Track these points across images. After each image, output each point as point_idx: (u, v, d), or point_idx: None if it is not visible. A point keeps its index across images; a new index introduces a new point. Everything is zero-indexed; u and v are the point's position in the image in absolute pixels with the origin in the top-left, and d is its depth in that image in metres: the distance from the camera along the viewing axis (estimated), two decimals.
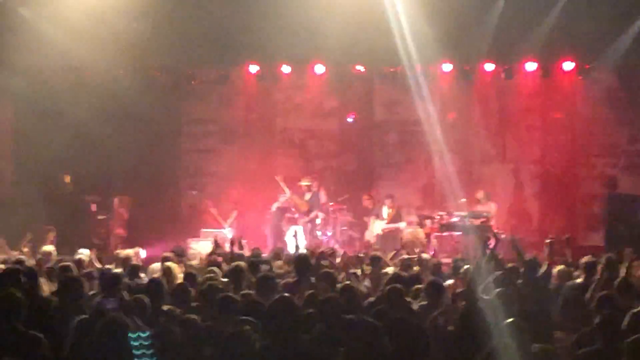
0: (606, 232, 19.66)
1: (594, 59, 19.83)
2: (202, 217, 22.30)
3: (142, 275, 12.96)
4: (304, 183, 21.67)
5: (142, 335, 7.24)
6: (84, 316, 8.51)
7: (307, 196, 21.61)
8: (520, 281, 10.93)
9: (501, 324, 7.85)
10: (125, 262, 13.93)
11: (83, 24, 19.64)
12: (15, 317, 7.63)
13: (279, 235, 21.40)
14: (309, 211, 21.36)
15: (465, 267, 12.56)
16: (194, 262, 15.37)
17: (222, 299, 9.09)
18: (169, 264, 12.70)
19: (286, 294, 8.35)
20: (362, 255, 15.14)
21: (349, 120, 23.80)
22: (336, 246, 20.48)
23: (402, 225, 20.96)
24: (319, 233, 21.62)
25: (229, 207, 22.15)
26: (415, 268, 13.24)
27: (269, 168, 23.47)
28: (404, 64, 20.38)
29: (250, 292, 9.91)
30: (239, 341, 7.28)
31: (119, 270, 12.87)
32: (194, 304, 9.91)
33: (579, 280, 11.76)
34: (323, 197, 21.83)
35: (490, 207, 20.85)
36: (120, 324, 6.27)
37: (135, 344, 6.21)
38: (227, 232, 21.09)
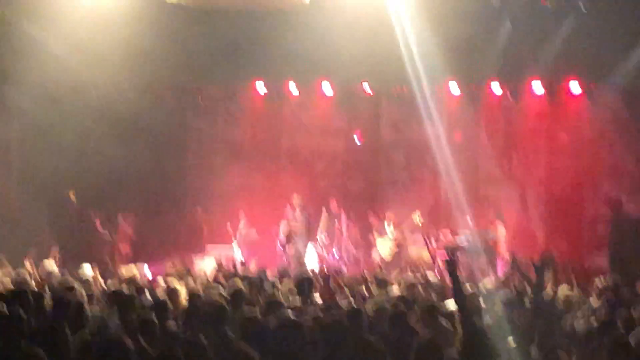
0: (610, 253, 19.62)
1: (600, 79, 19.80)
2: (207, 232, 22.32)
3: (146, 292, 12.92)
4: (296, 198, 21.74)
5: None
6: (85, 336, 8.48)
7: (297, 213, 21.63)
8: (529, 303, 10.83)
9: (506, 348, 7.81)
10: (130, 282, 13.86)
11: (89, 40, 19.68)
12: (19, 335, 7.61)
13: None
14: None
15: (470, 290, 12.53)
16: (199, 280, 15.36)
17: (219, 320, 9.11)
18: (173, 283, 12.64)
19: (291, 316, 8.30)
20: (367, 276, 15.04)
21: (356, 139, 23.78)
22: (342, 266, 20.48)
23: (410, 249, 20.98)
24: (324, 251, 21.60)
25: (236, 225, 22.09)
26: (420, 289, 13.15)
27: (275, 187, 23.49)
28: (411, 84, 20.41)
29: (254, 314, 9.83)
30: None
31: (124, 289, 12.77)
32: (198, 325, 9.85)
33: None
34: (343, 219, 21.88)
35: (499, 229, 20.76)
36: (120, 344, 6.20)
37: None
38: (235, 249, 21.09)
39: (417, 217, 21.05)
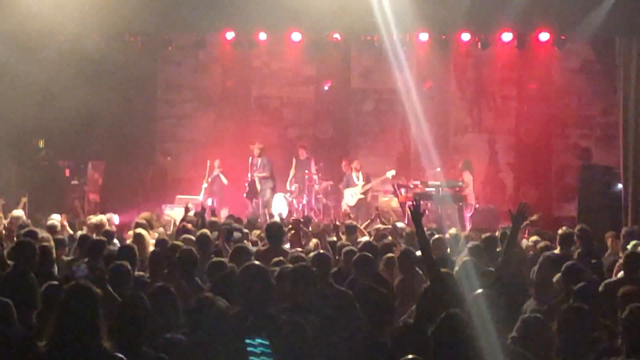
0: (579, 203, 19.76)
1: (569, 30, 19.79)
2: (176, 182, 22.31)
3: (115, 242, 12.92)
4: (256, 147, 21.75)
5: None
6: (52, 282, 8.46)
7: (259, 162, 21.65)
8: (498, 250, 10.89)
9: (471, 294, 7.86)
10: (98, 228, 13.87)
11: None
12: None
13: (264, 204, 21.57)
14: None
15: (436, 236, 12.62)
16: (168, 229, 15.38)
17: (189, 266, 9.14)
18: (140, 230, 12.63)
19: (257, 262, 8.30)
20: (338, 223, 15.10)
21: (325, 88, 23.78)
22: (312, 214, 20.55)
23: (374, 183, 21.14)
24: (294, 201, 21.67)
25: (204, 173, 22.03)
26: (390, 238, 13.23)
27: (244, 135, 23.47)
28: (381, 32, 20.34)
29: (222, 259, 9.85)
30: (207, 308, 7.24)
31: (94, 236, 12.75)
32: (165, 272, 9.88)
33: (556, 251, 11.81)
34: (313, 168, 21.93)
35: (465, 177, 20.87)
36: (86, 290, 6.18)
37: (102, 311, 6.14)
38: (203, 199, 21.08)
39: (390, 174, 21.11)
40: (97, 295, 6.24)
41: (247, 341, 7.06)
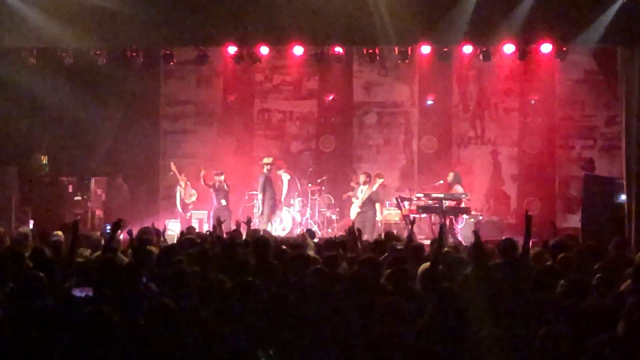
0: (583, 214, 19.69)
1: (571, 40, 19.79)
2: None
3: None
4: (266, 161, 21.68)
5: None
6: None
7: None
8: (493, 263, 10.79)
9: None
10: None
11: (58, 3, 19.46)
12: None
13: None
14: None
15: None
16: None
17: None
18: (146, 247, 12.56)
19: (250, 279, 8.31)
20: (337, 238, 14.97)
21: (328, 100, 23.80)
22: (315, 228, 20.53)
23: (377, 207, 20.91)
24: (298, 216, 21.66)
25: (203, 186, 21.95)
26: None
27: (247, 149, 23.52)
28: (382, 45, 20.34)
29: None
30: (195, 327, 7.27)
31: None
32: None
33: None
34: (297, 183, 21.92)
35: (457, 190, 20.71)
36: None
37: None
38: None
39: (378, 181, 21.02)
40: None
41: None
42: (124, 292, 8.73)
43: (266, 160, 21.73)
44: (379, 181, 20.94)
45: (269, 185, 21.51)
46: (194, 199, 21.80)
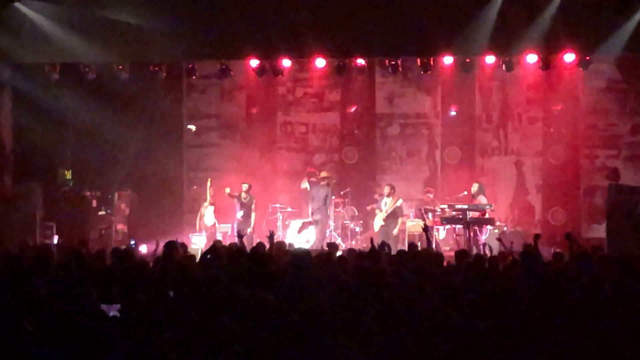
0: (608, 224, 19.56)
1: (594, 50, 19.72)
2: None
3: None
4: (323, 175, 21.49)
5: None
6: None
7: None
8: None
9: None
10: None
11: (82, 19, 19.60)
12: None
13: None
14: None
15: None
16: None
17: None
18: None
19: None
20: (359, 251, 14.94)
21: (350, 112, 23.77)
22: (338, 240, 20.48)
23: (399, 222, 20.80)
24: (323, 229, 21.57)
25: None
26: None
27: (270, 162, 23.55)
28: (405, 57, 20.32)
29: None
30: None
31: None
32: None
33: None
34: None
35: (481, 200, 20.61)
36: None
37: None
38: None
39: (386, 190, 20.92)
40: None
41: None
42: (150, 306, 8.72)
43: (324, 174, 21.46)
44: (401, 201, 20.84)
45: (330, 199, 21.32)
46: (212, 223, 21.65)
